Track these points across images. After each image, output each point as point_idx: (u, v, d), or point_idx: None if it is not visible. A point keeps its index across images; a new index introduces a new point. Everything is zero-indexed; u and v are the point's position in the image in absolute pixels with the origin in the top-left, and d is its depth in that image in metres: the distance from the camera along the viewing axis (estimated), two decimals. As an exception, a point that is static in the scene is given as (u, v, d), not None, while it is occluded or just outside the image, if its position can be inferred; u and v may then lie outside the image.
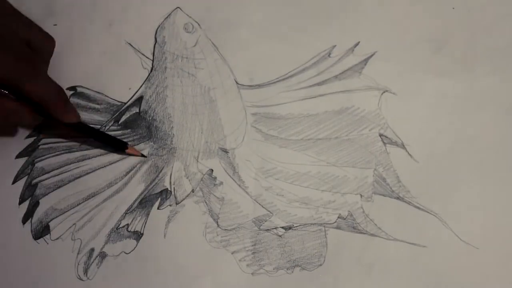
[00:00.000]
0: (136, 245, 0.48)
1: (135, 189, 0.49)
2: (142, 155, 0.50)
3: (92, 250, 0.48)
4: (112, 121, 0.51)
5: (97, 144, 0.50)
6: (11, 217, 0.48)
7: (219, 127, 0.51)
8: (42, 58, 0.48)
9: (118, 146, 0.49)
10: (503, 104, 0.51)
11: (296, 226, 0.49)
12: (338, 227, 0.49)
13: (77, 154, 0.50)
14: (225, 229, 0.49)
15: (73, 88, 0.51)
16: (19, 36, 0.46)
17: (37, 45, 0.47)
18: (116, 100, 0.51)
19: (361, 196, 0.49)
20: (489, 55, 0.52)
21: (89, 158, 0.50)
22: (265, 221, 0.49)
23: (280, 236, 0.49)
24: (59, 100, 0.46)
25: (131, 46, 0.51)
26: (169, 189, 0.50)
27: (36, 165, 0.49)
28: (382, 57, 0.52)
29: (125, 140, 0.50)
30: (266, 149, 0.50)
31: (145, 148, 0.50)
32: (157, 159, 0.50)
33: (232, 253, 0.49)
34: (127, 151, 0.49)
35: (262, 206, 0.49)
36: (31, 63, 0.45)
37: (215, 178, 0.50)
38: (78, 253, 0.48)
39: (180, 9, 0.52)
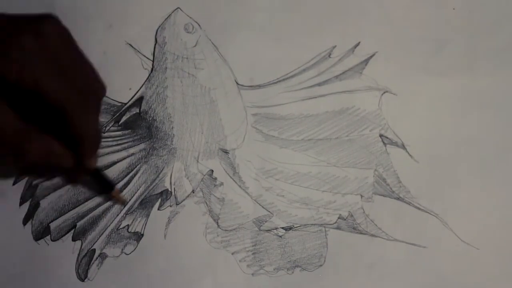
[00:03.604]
0: (137, 246, 0.48)
1: (135, 189, 0.49)
2: (123, 203, 0.49)
3: (93, 251, 0.48)
4: (112, 122, 0.51)
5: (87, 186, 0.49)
6: (12, 218, 0.48)
7: (219, 128, 0.51)
8: (97, 98, 0.45)
9: (107, 188, 0.48)
10: (503, 104, 0.51)
11: (296, 227, 0.49)
12: (338, 228, 0.49)
13: (78, 155, 0.50)
14: (226, 230, 0.49)
15: (73, 88, 0.51)
16: (82, 72, 0.44)
17: (92, 86, 0.45)
18: (116, 101, 0.51)
19: (361, 196, 0.49)
20: (489, 55, 0.52)
21: (89, 159, 0.50)
22: (266, 221, 0.49)
23: (280, 236, 0.49)
24: (97, 143, 0.45)
25: (132, 46, 0.51)
26: (169, 189, 0.50)
27: (36, 166, 0.49)
28: (382, 58, 0.52)
29: (125, 140, 0.50)
30: (267, 149, 0.50)
31: (145, 148, 0.50)
32: (157, 160, 0.50)
33: (233, 253, 0.49)
34: (112, 193, 0.48)
35: (263, 207, 0.49)
36: (88, 97, 0.43)
37: (215, 178, 0.50)
38: (78, 254, 0.48)
39: (181, 9, 0.52)
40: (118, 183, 0.50)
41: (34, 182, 0.49)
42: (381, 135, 0.50)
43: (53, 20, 0.42)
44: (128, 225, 0.49)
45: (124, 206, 0.49)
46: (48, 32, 0.41)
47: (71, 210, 0.49)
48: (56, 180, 0.49)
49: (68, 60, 0.42)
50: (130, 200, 0.49)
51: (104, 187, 0.48)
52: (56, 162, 0.43)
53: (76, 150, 0.44)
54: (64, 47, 0.42)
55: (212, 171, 0.50)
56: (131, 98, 0.51)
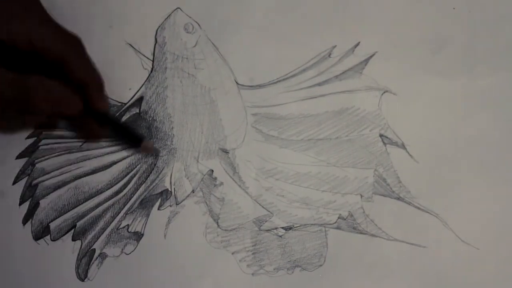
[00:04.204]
0: (137, 245, 0.48)
1: (135, 189, 0.49)
2: (157, 151, 0.49)
3: (93, 251, 0.48)
4: (113, 122, 0.51)
5: (112, 137, 0.49)
6: (12, 218, 0.48)
7: (219, 128, 0.51)
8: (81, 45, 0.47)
9: (136, 141, 0.49)
10: (503, 104, 0.51)
11: (296, 227, 0.49)
12: (338, 228, 0.49)
13: (78, 154, 0.50)
14: (226, 230, 0.49)
15: (73, 88, 0.51)
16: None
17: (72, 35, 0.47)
18: (116, 101, 0.51)
19: (361, 196, 0.49)
20: (489, 55, 0.52)
21: (89, 159, 0.50)
22: (266, 221, 0.49)
23: (280, 236, 0.49)
24: (100, 84, 0.47)
25: (132, 46, 0.51)
26: (169, 189, 0.50)
27: (36, 165, 0.49)
28: (382, 58, 0.52)
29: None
30: (267, 149, 0.50)
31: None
32: (157, 160, 0.50)
33: (233, 253, 0.49)
34: (142, 145, 0.48)
35: (263, 207, 0.49)
36: (77, 46, 0.46)
37: (215, 178, 0.50)
38: (78, 254, 0.48)
39: (180, 9, 0.52)
40: (118, 183, 0.50)
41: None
42: (381, 135, 0.50)
43: None
44: (128, 225, 0.49)
45: (157, 156, 0.49)
46: None
47: (71, 210, 0.49)
48: (56, 180, 0.49)
49: (49, 16, 0.46)
50: (130, 200, 0.49)
51: (132, 140, 0.49)
52: (63, 103, 0.44)
53: (83, 95, 0.45)
54: (42, 9, 0.46)
55: (212, 171, 0.50)
56: (131, 98, 0.51)
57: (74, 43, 0.46)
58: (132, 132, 0.49)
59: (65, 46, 0.44)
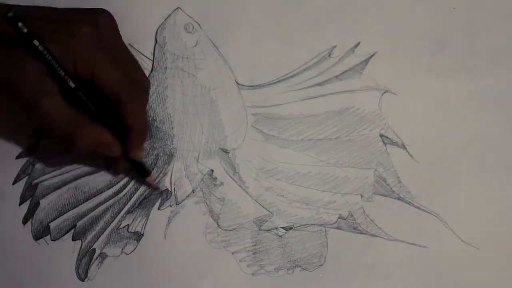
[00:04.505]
0: (137, 245, 0.48)
1: (135, 189, 0.49)
2: (156, 189, 0.49)
3: (93, 250, 0.48)
4: (113, 122, 0.51)
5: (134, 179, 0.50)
6: (12, 217, 0.48)
7: (219, 128, 0.51)
8: (143, 90, 0.47)
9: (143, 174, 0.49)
10: (503, 104, 0.51)
11: (296, 227, 0.49)
12: (338, 228, 0.49)
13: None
14: (226, 230, 0.49)
15: (73, 88, 0.51)
16: (131, 65, 0.46)
17: (139, 79, 0.47)
18: (116, 101, 0.51)
19: (361, 196, 0.49)
20: (489, 55, 0.52)
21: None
22: (266, 221, 0.49)
23: (280, 236, 0.49)
24: (145, 134, 0.47)
25: (132, 46, 0.51)
26: (169, 189, 0.50)
27: (36, 165, 0.49)
28: (382, 58, 0.52)
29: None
30: (267, 149, 0.50)
31: (145, 148, 0.50)
32: (157, 160, 0.50)
33: (233, 253, 0.49)
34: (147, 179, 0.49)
35: (263, 207, 0.49)
36: (138, 88, 0.45)
37: (215, 178, 0.50)
38: (78, 254, 0.48)
39: (181, 9, 0.52)
40: (118, 183, 0.50)
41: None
42: (381, 135, 0.50)
43: (106, 13, 0.45)
44: (128, 225, 0.49)
45: (158, 191, 0.49)
46: (103, 23, 0.44)
47: (71, 209, 0.49)
48: (56, 180, 0.49)
49: (120, 51, 0.45)
50: (130, 200, 0.49)
51: (140, 174, 0.49)
52: (105, 150, 0.45)
53: (123, 140, 0.45)
54: (116, 39, 0.45)
55: (212, 171, 0.50)
56: (131, 98, 0.51)
57: (138, 88, 0.45)
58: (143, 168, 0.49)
59: (125, 89, 0.43)
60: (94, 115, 0.44)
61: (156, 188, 0.49)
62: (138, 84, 0.45)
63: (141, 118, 0.45)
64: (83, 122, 0.43)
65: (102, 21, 0.44)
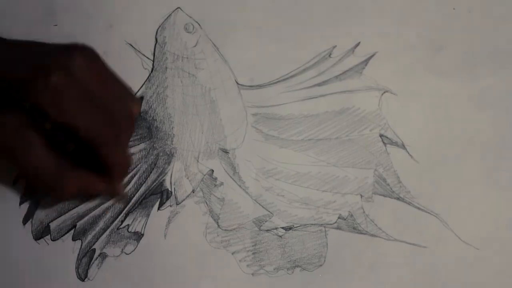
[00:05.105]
0: (137, 245, 0.48)
1: (135, 189, 0.49)
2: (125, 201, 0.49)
3: (93, 251, 0.48)
4: (113, 122, 0.51)
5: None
6: (12, 217, 0.48)
7: (219, 128, 0.51)
8: (126, 125, 0.45)
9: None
10: (503, 104, 0.51)
11: (296, 227, 0.49)
12: (338, 228, 0.49)
13: (78, 154, 0.50)
14: (226, 230, 0.49)
15: (73, 88, 0.51)
16: (117, 101, 0.44)
17: (121, 113, 0.44)
18: (116, 101, 0.51)
19: (361, 196, 0.49)
20: (489, 55, 0.52)
21: (89, 159, 0.50)
22: (266, 221, 0.49)
23: (280, 236, 0.49)
24: (125, 174, 0.47)
25: (132, 46, 0.51)
26: (169, 189, 0.50)
27: (36, 165, 0.49)
28: (382, 58, 0.52)
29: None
30: (267, 149, 0.50)
31: (145, 148, 0.50)
32: (157, 160, 0.50)
33: (233, 253, 0.49)
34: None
35: (263, 207, 0.49)
36: (118, 129, 0.43)
37: (215, 178, 0.50)
38: (78, 254, 0.48)
39: (181, 9, 0.52)
40: (118, 183, 0.50)
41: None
42: (381, 135, 0.50)
43: (83, 51, 0.42)
44: (128, 225, 0.49)
45: (125, 206, 0.49)
46: (78, 67, 0.41)
47: (71, 209, 0.49)
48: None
49: (99, 94, 0.42)
50: (130, 200, 0.49)
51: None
52: (91, 191, 0.46)
53: (106, 174, 0.45)
54: (95, 81, 0.42)
55: (212, 171, 0.50)
56: (131, 98, 0.51)
57: (119, 129, 0.43)
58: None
59: (104, 133, 0.42)
60: (76, 157, 0.43)
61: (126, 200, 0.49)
62: (118, 127, 0.43)
63: (120, 157, 0.45)
64: (66, 169, 0.43)
65: (78, 63, 0.40)
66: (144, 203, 0.49)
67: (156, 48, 0.51)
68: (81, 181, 0.44)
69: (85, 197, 0.48)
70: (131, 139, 0.50)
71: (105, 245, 0.48)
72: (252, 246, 0.49)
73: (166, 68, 0.51)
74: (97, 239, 0.48)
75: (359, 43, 0.52)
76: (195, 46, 0.51)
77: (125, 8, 0.52)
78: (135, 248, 0.48)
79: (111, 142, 0.43)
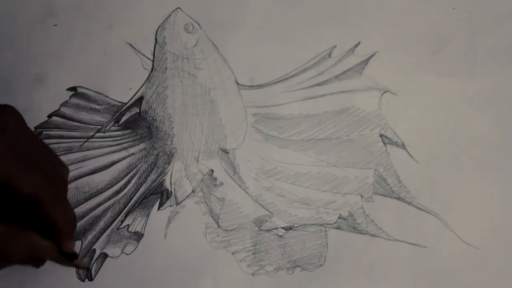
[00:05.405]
0: (137, 246, 0.48)
1: (135, 189, 0.49)
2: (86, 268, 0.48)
3: (93, 251, 0.48)
4: (113, 122, 0.51)
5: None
6: (12, 218, 0.48)
7: (219, 128, 0.51)
8: (63, 181, 0.46)
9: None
10: (503, 104, 0.51)
11: (296, 227, 0.49)
12: (338, 228, 0.49)
13: (78, 154, 0.50)
14: (226, 230, 0.49)
15: (73, 88, 0.51)
16: (44, 159, 0.44)
17: (56, 170, 0.45)
18: (116, 101, 0.51)
19: (361, 196, 0.49)
20: (489, 55, 0.52)
21: (89, 159, 0.50)
22: (266, 221, 0.49)
23: (280, 236, 0.49)
24: (73, 229, 0.46)
25: (132, 46, 0.51)
26: (169, 189, 0.50)
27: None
28: (382, 57, 0.52)
29: (125, 140, 0.50)
30: (267, 149, 0.50)
31: (145, 148, 0.50)
32: (157, 160, 0.50)
33: (233, 253, 0.49)
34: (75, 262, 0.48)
35: (263, 207, 0.49)
36: (55, 182, 0.44)
37: (215, 178, 0.50)
38: (78, 254, 0.48)
39: (181, 9, 0.52)
40: (118, 183, 0.50)
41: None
42: (381, 135, 0.50)
43: (10, 110, 0.43)
44: (128, 225, 0.49)
45: (86, 271, 0.48)
46: (9, 123, 0.42)
47: (71, 210, 0.49)
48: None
49: (30, 148, 0.43)
50: (130, 200, 0.49)
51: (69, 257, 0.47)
52: (41, 255, 0.44)
53: (54, 235, 0.44)
54: (25, 136, 0.43)
55: (212, 171, 0.50)
56: (131, 98, 0.51)
57: (55, 183, 0.43)
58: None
59: (42, 189, 0.42)
60: (20, 220, 0.42)
61: (83, 268, 0.48)
62: (54, 177, 0.44)
63: (64, 213, 0.44)
64: (11, 234, 0.42)
65: (8, 120, 0.42)
66: (144, 203, 0.49)
67: (156, 48, 0.51)
68: (29, 244, 0.43)
69: (36, 261, 0.46)
70: (131, 138, 0.50)
71: (105, 245, 0.48)
72: (252, 246, 0.49)
73: (166, 68, 0.51)
74: (97, 239, 0.48)
75: (359, 43, 0.52)
76: (195, 46, 0.52)
77: (125, 8, 0.52)
78: (135, 248, 0.48)
79: (52, 197, 0.42)
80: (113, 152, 0.50)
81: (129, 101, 0.51)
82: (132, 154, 0.50)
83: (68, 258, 0.47)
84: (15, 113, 0.43)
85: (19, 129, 0.43)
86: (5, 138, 0.41)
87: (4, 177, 0.40)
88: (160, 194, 0.49)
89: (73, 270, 0.48)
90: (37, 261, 0.46)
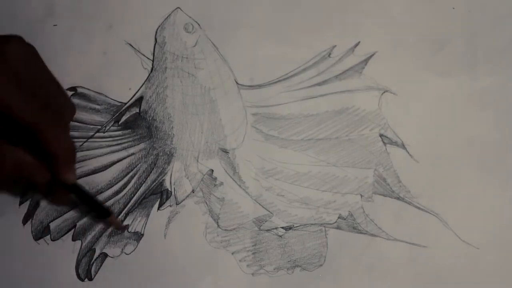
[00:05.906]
0: (137, 246, 0.48)
1: (135, 189, 0.49)
2: (123, 227, 0.48)
3: (93, 251, 0.48)
4: (112, 122, 0.51)
5: (81, 208, 0.48)
6: (12, 217, 0.48)
7: (219, 127, 0.51)
8: (66, 116, 0.46)
9: (103, 213, 0.48)
10: (503, 104, 0.51)
11: (296, 226, 0.49)
12: (338, 227, 0.49)
13: (77, 154, 0.50)
14: (226, 230, 0.49)
15: (73, 88, 0.51)
16: (50, 92, 0.44)
17: (61, 105, 0.45)
18: (116, 101, 0.51)
19: (361, 196, 0.49)
20: (489, 55, 0.52)
21: (89, 159, 0.50)
22: (266, 221, 0.49)
23: (280, 236, 0.49)
24: (71, 158, 0.45)
25: (131, 46, 0.51)
26: (169, 189, 0.50)
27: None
28: (382, 57, 0.52)
29: (125, 140, 0.50)
30: (267, 149, 0.50)
31: (145, 148, 0.50)
32: (157, 160, 0.50)
33: (233, 253, 0.49)
34: (109, 219, 0.48)
35: (263, 206, 0.49)
36: (57, 115, 0.44)
37: (215, 178, 0.50)
38: (78, 254, 0.48)
39: (180, 9, 0.52)
40: (118, 183, 0.50)
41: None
42: (381, 135, 0.50)
43: (17, 40, 0.43)
44: (128, 225, 0.49)
45: (124, 231, 0.48)
46: (13, 52, 0.42)
47: (71, 209, 0.49)
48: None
49: (35, 79, 0.43)
50: (130, 200, 0.49)
51: (100, 212, 0.47)
52: (29, 173, 0.44)
53: (51, 166, 0.44)
54: (31, 67, 0.43)
55: (212, 170, 0.50)
56: (131, 98, 0.51)
57: (57, 113, 0.44)
58: (100, 204, 0.48)
59: (41, 118, 0.42)
60: (15, 141, 0.43)
61: (123, 228, 0.48)
62: (57, 111, 0.44)
63: (62, 143, 0.44)
64: (2, 145, 0.42)
65: (12, 49, 0.42)
66: (144, 203, 0.49)
67: (155, 48, 0.51)
68: (18, 158, 0.43)
69: (26, 180, 0.46)
70: (131, 138, 0.50)
71: (105, 245, 0.48)
72: (252, 246, 0.49)
73: (166, 68, 0.51)
74: (97, 239, 0.48)
75: (359, 42, 0.52)
76: (194, 46, 0.51)
77: (125, 8, 0.52)
78: (135, 248, 0.48)
79: (52, 126, 0.43)
80: (113, 152, 0.50)
81: (129, 101, 0.51)
82: (132, 154, 0.50)
83: (100, 215, 0.46)
84: (23, 43, 0.43)
85: (25, 59, 0.43)
86: (6, 65, 0.41)
87: (1, 103, 0.40)
88: (160, 194, 0.49)
89: (73, 270, 0.48)
90: (27, 181, 0.46)
